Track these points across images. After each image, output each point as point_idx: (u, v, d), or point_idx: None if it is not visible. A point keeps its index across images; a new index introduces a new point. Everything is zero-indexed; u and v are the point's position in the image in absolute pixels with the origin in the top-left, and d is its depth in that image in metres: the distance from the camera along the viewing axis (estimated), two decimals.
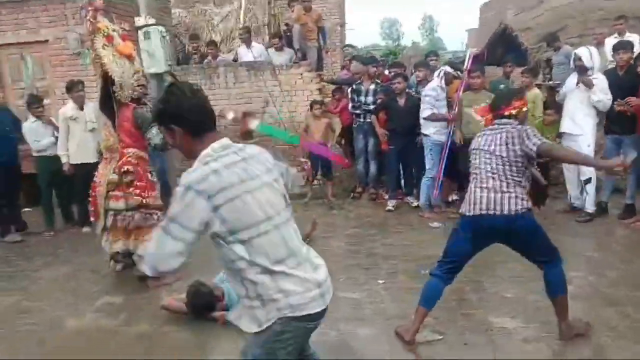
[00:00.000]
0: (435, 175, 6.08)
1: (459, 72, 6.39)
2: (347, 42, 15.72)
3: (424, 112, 5.96)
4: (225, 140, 1.85)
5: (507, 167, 2.90)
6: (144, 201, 4.09)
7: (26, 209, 6.96)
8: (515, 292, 3.88)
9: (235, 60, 8.18)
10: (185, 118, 1.78)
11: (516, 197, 2.87)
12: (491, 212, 2.87)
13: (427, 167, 6.14)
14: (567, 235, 5.30)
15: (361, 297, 3.93)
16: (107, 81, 4.04)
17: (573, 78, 5.54)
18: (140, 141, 4.13)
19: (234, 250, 1.73)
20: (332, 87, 7.68)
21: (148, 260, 1.72)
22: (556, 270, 3.03)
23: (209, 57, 8.03)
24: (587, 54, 5.27)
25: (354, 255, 4.93)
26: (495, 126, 3.07)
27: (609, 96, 5.22)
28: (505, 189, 2.88)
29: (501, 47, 10.65)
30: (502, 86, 6.24)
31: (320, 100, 7.22)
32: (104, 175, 4.17)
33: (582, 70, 5.33)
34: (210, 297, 3.60)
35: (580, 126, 5.38)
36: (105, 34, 3.94)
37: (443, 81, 6.08)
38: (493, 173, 2.93)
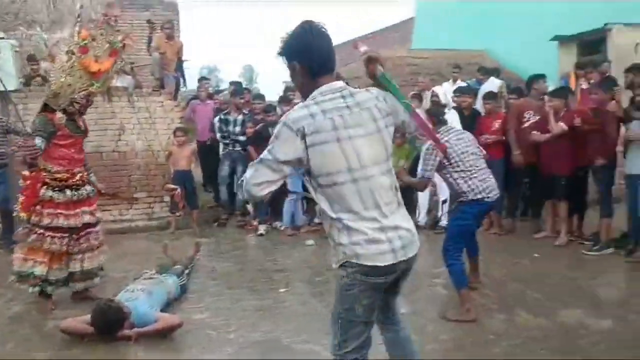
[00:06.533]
0: (299, 196, 6.52)
1: None
2: None
3: None
4: (338, 84, 1.89)
5: None
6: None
7: None
8: None
9: None
10: (310, 57, 1.84)
11: None
12: None
13: (289, 188, 6.50)
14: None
15: (268, 304, 4.05)
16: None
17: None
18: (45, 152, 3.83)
19: (317, 195, 1.87)
20: None
21: (243, 185, 1.87)
22: None
23: None
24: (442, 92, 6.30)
25: (243, 272, 4.98)
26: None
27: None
28: None
29: None
30: None
31: (183, 128, 7.16)
32: None
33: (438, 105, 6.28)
34: (121, 314, 3.37)
35: None
36: (82, 43, 3.81)
37: None
38: None
